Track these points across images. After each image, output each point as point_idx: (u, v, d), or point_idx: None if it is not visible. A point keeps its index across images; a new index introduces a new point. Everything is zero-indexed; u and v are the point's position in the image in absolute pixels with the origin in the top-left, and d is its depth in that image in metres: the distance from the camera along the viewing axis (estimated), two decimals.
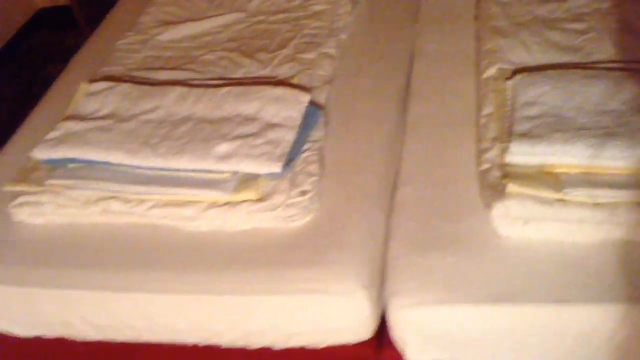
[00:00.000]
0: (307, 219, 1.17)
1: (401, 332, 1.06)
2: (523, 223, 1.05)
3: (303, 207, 1.17)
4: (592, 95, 1.13)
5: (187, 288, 1.10)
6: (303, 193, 1.19)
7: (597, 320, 0.98)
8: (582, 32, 1.37)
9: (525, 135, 1.08)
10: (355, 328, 1.08)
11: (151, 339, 1.13)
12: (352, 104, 1.43)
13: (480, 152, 1.17)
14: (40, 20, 2.78)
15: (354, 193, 1.23)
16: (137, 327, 1.12)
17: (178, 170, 1.22)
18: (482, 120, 1.23)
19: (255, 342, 1.10)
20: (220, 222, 1.17)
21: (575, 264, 1.02)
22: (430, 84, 1.44)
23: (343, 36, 1.62)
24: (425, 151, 1.28)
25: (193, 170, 1.21)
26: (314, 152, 1.27)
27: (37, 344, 1.16)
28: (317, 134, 1.32)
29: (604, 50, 1.31)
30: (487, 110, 1.25)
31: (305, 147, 1.28)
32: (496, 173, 1.10)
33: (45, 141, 1.28)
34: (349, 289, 1.06)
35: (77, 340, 1.15)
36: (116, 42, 1.66)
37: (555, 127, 1.08)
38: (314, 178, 1.21)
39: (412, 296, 1.04)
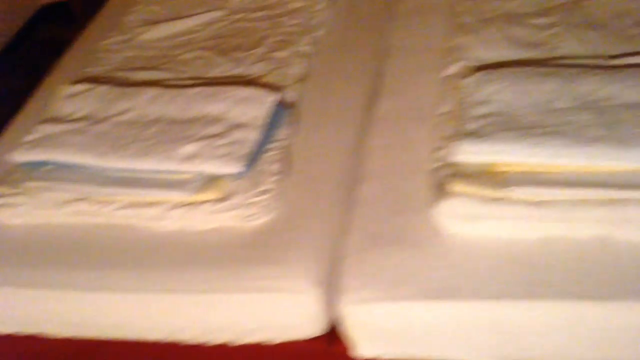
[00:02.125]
0: (268, 217, 1.20)
1: (351, 328, 1.10)
2: (469, 221, 1.07)
3: (263, 206, 1.20)
4: (544, 93, 1.14)
5: (149, 286, 1.15)
6: (264, 192, 1.23)
7: (538, 316, 1.01)
8: (547, 27, 1.36)
9: (473, 135, 1.10)
10: (307, 324, 1.12)
11: (118, 337, 1.19)
12: (322, 101, 1.46)
13: (433, 151, 1.19)
14: (44, 15, 2.86)
15: (316, 191, 1.26)
16: (104, 325, 1.18)
17: (145, 171, 1.27)
18: (439, 119, 1.25)
19: (215, 338, 1.15)
20: (184, 222, 1.21)
21: (519, 260, 1.04)
22: (399, 80, 1.46)
23: (319, 33, 1.64)
24: (388, 148, 1.31)
25: (159, 171, 1.26)
26: (278, 151, 1.30)
27: (12, 340, 1.23)
28: (283, 132, 1.35)
29: (567, 45, 1.31)
30: (445, 108, 1.27)
31: (270, 146, 1.31)
32: (445, 171, 1.12)
33: (22, 144, 1.34)
34: (299, 287, 1.10)
35: (50, 337, 1.21)
36: (100, 42, 1.71)
37: (503, 126, 1.10)
38: (275, 177, 1.25)
39: (360, 293, 1.08)
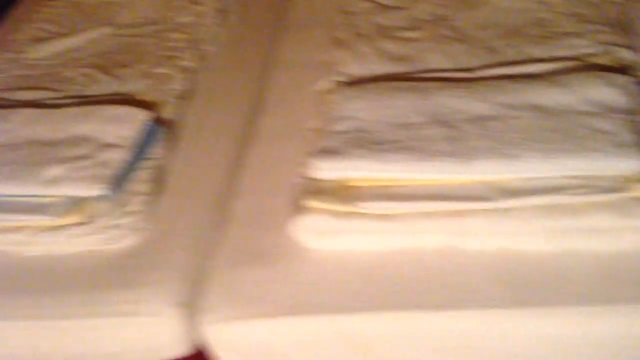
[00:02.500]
0: (135, 239, 1.19)
1: (215, 347, 1.10)
2: (324, 236, 1.08)
3: (130, 228, 1.19)
4: (401, 108, 1.16)
5: (9, 313, 1.13)
6: (131, 214, 1.22)
7: (388, 327, 1.02)
8: (417, 41, 1.39)
9: (329, 151, 1.11)
10: (171, 346, 1.12)
11: None
12: (204, 118, 1.46)
13: (298, 166, 1.20)
14: None
15: (188, 210, 1.26)
16: None
17: (12, 195, 1.25)
18: (307, 135, 1.26)
19: None
20: (49, 246, 1.20)
21: (371, 273, 1.05)
22: (280, 95, 1.46)
23: (208, 48, 1.64)
24: (262, 165, 1.31)
25: (24, 195, 1.23)
26: (151, 171, 1.29)
27: None
28: (157, 152, 1.34)
29: (433, 58, 1.33)
30: (313, 123, 1.28)
31: (142, 166, 1.30)
32: (303, 188, 1.13)
33: None
34: (159, 309, 1.09)
35: None
36: None
37: (359, 142, 1.11)
38: (144, 197, 1.24)
39: (221, 312, 1.08)
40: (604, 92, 1.08)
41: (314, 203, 1.08)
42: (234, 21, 1.73)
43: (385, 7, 1.50)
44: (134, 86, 1.50)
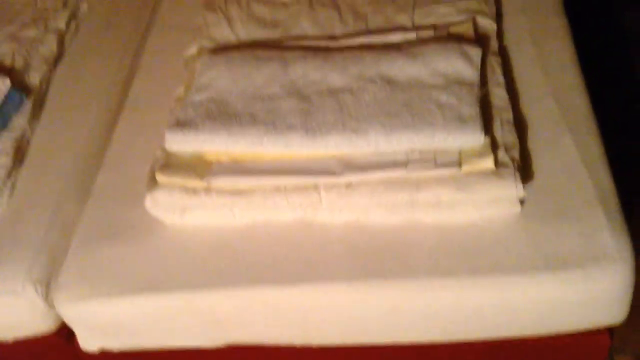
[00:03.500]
0: None
1: (70, 323, 1.09)
2: (178, 212, 1.08)
3: None
4: (258, 78, 1.14)
5: None
6: None
7: (246, 303, 1.03)
8: (288, 5, 1.35)
9: (182, 123, 1.09)
10: (35, 322, 1.11)
11: None
12: (74, 84, 1.40)
13: (162, 137, 1.17)
14: None
15: (50, 184, 1.22)
16: None
17: None
18: (172, 104, 1.23)
19: None
20: None
21: (226, 249, 1.05)
22: (154, 60, 1.42)
23: (83, 6, 1.56)
24: (131, 134, 1.28)
25: None
26: (10, 142, 1.24)
27: None
28: (20, 121, 1.29)
29: (302, 25, 1.31)
30: (178, 92, 1.25)
31: (2, 137, 1.25)
32: (159, 161, 1.11)
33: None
34: (16, 287, 1.07)
35: None
36: None
37: (212, 114, 1.09)
38: (2, 171, 1.20)
39: (77, 289, 1.07)
40: (454, 64, 1.09)
41: (163, 178, 1.06)
42: None
43: None
44: None
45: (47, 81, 1.39)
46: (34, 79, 1.37)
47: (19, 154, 1.25)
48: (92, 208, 1.17)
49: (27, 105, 1.32)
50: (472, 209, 1.01)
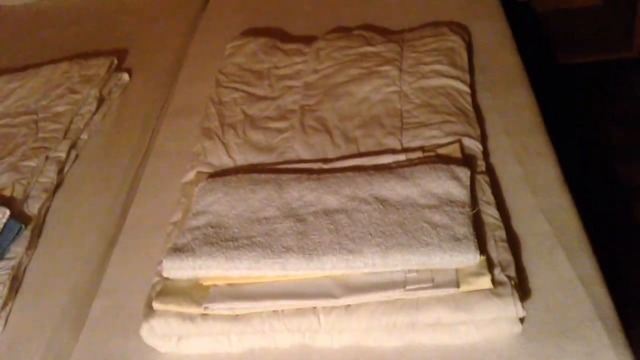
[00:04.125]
0: None
1: None
2: (173, 340, 1.06)
3: None
4: (255, 201, 1.17)
5: None
6: None
7: None
8: (282, 131, 1.42)
9: (180, 249, 1.10)
10: None
11: None
12: (71, 212, 1.43)
13: (158, 264, 1.18)
14: None
15: (45, 311, 1.21)
16: None
17: None
18: (168, 229, 1.25)
19: None
20: None
21: None
22: (152, 185, 1.46)
23: (84, 137, 1.62)
24: (127, 261, 1.28)
25: None
26: (6, 271, 1.24)
27: None
28: (17, 250, 1.30)
29: (297, 149, 1.36)
30: (175, 217, 1.27)
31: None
32: (156, 288, 1.11)
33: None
34: None
35: None
36: None
37: (209, 239, 1.10)
38: None
39: None
40: (444, 184, 1.12)
41: (160, 305, 1.05)
42: (111, 108, 1.73)
43: (256, 97, 1.53)
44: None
45: (45, 210, 1.42)
46: (32, 208, 1.39)
47: (15, 283, 1.24)
48: (87, 337, 1.15)
49: (25, 234, 1.33)
50: (472, 329, 1.00)
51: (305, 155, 1.34)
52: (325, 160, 1.30)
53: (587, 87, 2.21)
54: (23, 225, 1.33)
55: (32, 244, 1.33)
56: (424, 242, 1.02)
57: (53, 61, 1.86)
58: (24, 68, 1.86)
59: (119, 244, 1.34)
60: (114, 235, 1.37)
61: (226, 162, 1.36)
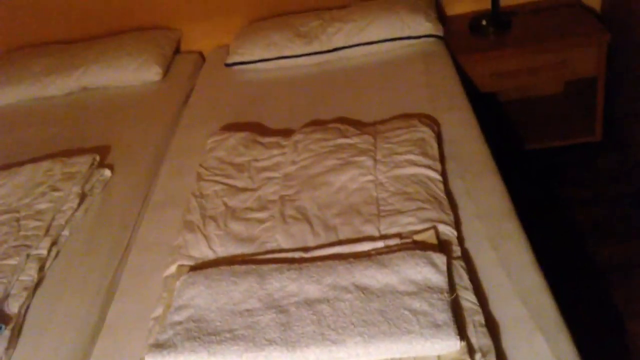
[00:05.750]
0: None
1: None
2: None
3: None
4: (237, 293, 1.18)
5: None
6: None
7: None
8: (262, 221, 1.45)
9: (161, 345, 1.10)
10: None
11: None
12: (51, 309, 1.42)
13: None
14: None
15: None
16: None
17: None
18: (150, 324, 1.25)
19: None
20: None
21: None
22: (133, 279, 1.46)
23: (65, 233, 1.63)
24: (112, 358, 1.27)
25: None
26: None
27: None
28: None
29: (278, 238, 1.39)
30: (156, 312, 1.27)
31: None
32: None
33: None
34: None
35: None
36: None
37: (191, 334, 1.11)
38: None
39: None
40: (422, 270, 1.15)
41: None
42: (93, 204, 1.75)
43: (237, 189, 1.57)
44: None
45: (25, 309, 1.41)
46: (13, 307, 1.38)
47: None
48: None
49: (5, 334, 1.32)
50: None
51: (286, 244, 1.37)
52: (305, 249, 1.33)
53: (553, 171, 2.30)
54: (3, 325, 1.32)
55: (12, 344, 1.32)
56: (405, 329, 1.04)
57: (35, 159, 1.91)
58: (7, 166, 1.90)
59: (100, 341, 1.32)
60: (95, 333, 1.36)
61: (207, 254, 1.38)
